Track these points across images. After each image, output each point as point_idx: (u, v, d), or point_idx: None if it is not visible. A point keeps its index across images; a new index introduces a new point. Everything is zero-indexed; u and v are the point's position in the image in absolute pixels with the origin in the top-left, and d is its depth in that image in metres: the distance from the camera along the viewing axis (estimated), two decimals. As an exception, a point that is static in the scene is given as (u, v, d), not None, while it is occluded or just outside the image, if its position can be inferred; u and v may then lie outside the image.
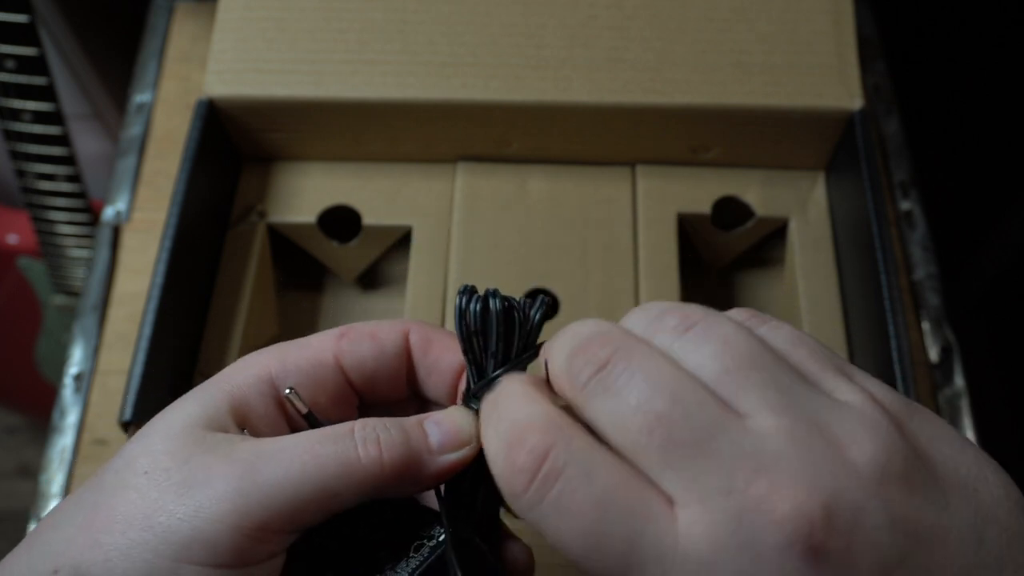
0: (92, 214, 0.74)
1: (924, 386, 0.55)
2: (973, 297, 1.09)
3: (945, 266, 0.59)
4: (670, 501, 0.21)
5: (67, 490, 0.52)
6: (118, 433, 0.53)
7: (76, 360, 0.56)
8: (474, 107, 0.51)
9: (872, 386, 0.23)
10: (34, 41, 0.62)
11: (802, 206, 0.54)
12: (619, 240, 0.52)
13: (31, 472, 1.29)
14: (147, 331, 0.45)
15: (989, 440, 0.54)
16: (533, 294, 0.27)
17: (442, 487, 0.28)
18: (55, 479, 0.53)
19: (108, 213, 0.61)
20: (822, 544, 0.19)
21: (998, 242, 1.01)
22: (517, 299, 0.27)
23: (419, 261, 0.52)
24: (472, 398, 0.27)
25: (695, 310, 0.23)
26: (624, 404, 0.22)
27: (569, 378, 0.23)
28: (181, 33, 0.68)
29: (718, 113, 0.50)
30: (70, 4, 0.85)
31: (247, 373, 0.28)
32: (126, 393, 0.44)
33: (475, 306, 0.26)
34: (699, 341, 0.22)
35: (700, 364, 0.22)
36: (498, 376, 0.26)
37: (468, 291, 0.27)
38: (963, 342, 0.56)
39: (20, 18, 0.61)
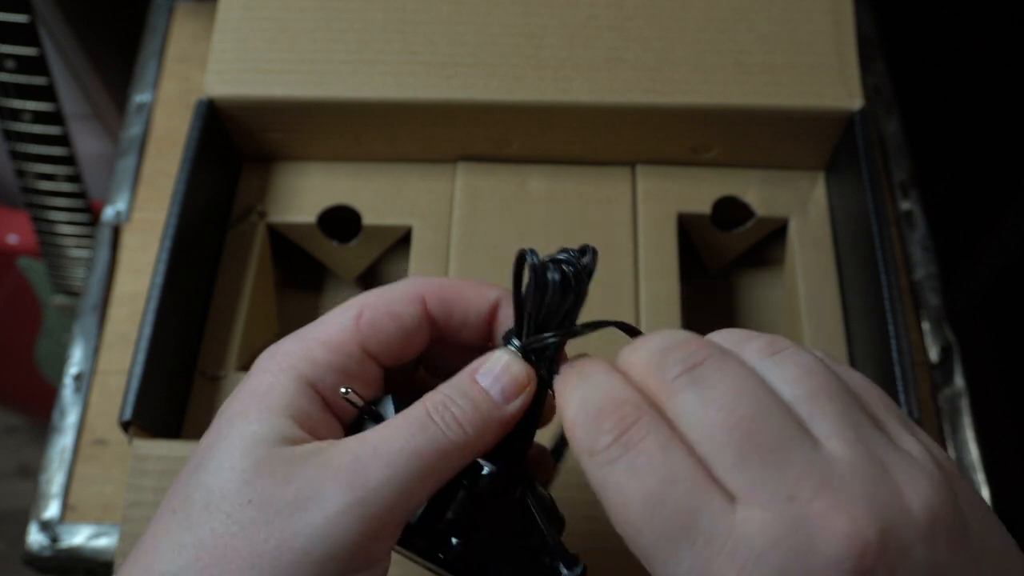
0: (92, 214, 0.74)
1: (924, 386, 0.55)
2: (973, 297, 1.09)
3: (945, 266, 0.59)
4: (732, 498, 0.22)
5: (67, 490, 0.52)
6: (118, 433, 0.53)
7: (76, 360, 0.56)
8: (474, 107, 0.51)
9: (928, 442, 0.24)
10: (34, 41, 0.62)
11: (802, 206, 0.54)
12: (619, 240, 0.52)
13: (31, 472, 1.29)
14: (147, 331, 0.45)
15: (989, 440, 0.54)
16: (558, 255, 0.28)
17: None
18: (55, 479, 0.53)
19: (108, 213, 0.61)
20: (870, 568, 0.21)
21: (998, 242, 1.01)
22: (577, 260, 0.28)
23: (419, 261, 0.52)
24: (516, 344, 0.28)
25: (781, 339, 0.25)
26: (711, 400, 0.23)
27: (659, 371, 0.24)
28: (181, 33, 0.68)
29: (718, 113, 0.50)
30: (70, 4, 0.85)
31: (285, 379, 0.27)
32: (126, 393, 0.44)
33: (554, 276, 0.27)
34: (784, 364, 0.24)
35: (783, 385, 0.24)
36: (555, 337, 0.28)
37: (534, 254, 0.27)
38: (963, 342, 0.56)
39: (20, 18, 0.61)
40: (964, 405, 0.55)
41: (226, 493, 0.25)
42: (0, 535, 1.24)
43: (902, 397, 0.43)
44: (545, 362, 0.28)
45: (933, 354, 0.56)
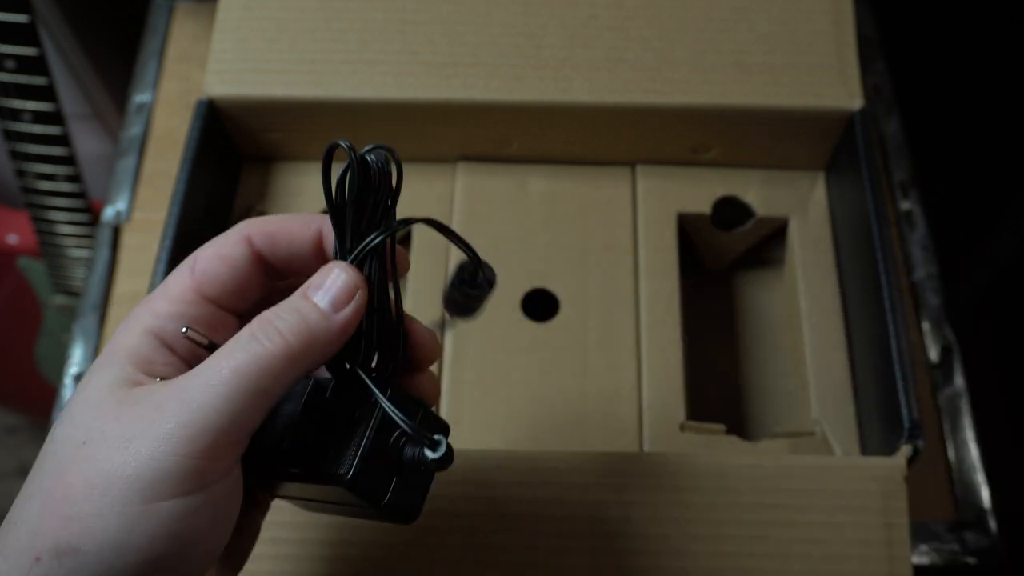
0: (92, 214, 0.74)
1: (924, 386, 0.55)
2: (973, 297, 1.09)
3: (945, 266, 0.59)
4: None
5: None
6: (118, 433, 0.53)
7: (76, 360, 0.56)
8: (474, 107, 0.51)
9: None
10: (34, 41, 0.62)
11: (802, 206, 0.54)
12: (619, 240, 0.52)
13: (31, 472, 1.28)
14: (147, 331, 0.45)
15: (989, 440, 0.54)
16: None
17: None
18: (55, 479, 0.53)
19: (108, 213, 0.61)
20: None
21: (998, 242, 1.01)
22: (366, 155, 0.28)
23: (419, 261, 0.52)
24: (348, 257, 0.29)
25: None
26: None
27: None
28: (181, 33, 0.68)
29: (718, 113, 0.50)
30: (70, 4, 0.85)
31: (132, 334, 0.29)
32: (126, 393, 0.43)
33: (347, 178, 0.28)
34: None
35: None
36: (377, 238, 0.29)
37: (332, 151, 0.28)
38: (963, 342, 0.56)
39: (20, 18, 0.61)
40: (964, 405, 0.55)
41: (64, 440, 0.26)
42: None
43: (902, 397, 0.43)
44: (375, 265, 0.29)
45: (933, 354, 0.56)
